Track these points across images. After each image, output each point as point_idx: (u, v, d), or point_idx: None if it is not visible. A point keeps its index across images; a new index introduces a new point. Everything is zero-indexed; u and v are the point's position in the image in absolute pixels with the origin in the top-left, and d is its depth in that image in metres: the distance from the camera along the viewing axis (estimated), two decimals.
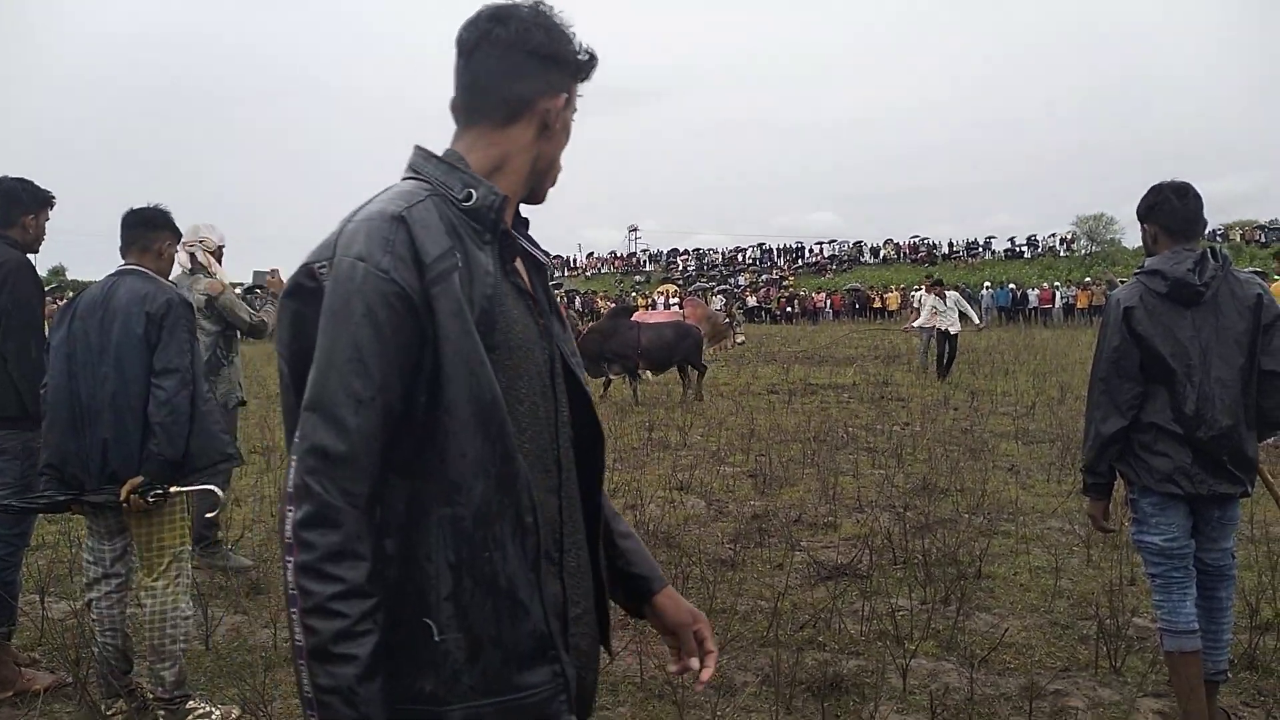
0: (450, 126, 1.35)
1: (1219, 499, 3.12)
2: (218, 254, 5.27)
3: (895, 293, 41.33)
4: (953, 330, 14.60)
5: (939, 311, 14.62)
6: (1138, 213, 3.31)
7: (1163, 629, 3.15)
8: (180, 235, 3.68)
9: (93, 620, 3.40)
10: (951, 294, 15.18)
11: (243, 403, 5.46)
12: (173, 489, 3.23)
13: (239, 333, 5.29)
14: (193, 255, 5.15)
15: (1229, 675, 3.28)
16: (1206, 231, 3.33)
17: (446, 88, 1.34)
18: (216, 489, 3.41)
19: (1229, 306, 3.06)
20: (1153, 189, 3.24)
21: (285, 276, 5.89)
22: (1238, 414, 3.02)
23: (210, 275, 5.18)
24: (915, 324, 15.84)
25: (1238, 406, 3.02)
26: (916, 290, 18.30)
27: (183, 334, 3.24)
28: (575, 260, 60.38)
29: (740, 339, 14.46)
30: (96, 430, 3.18)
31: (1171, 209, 3.17)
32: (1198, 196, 3.19)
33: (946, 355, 14.79)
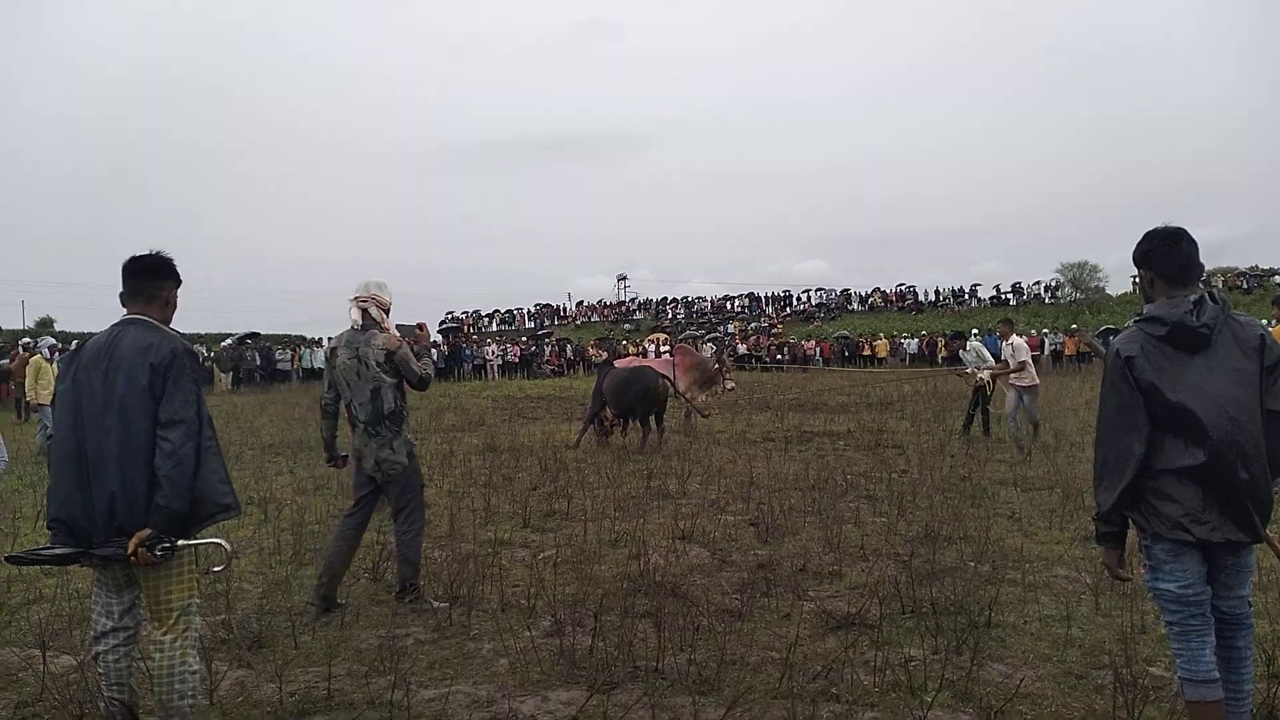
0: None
1: (1231, 546, 3.11)
2: (387, 311, 5.41)
3: (884, 340, 41.56)
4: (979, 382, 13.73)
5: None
6: (1134, 259, 3.33)
7: (1183, 678, 3.13)
8: (181, 281, 3.60)
9: (99, 674, 3.34)
10: (972, 344, 14.59)
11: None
12: (180, 542, 3.20)
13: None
14: (365, 311, 5.30)
15: None
16: (1202, 277, 3.35)
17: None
18: (224, 543, 3.38)
19: (1233, 349, 3.07)
20: (1147, 235, 3.27)
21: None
22: (1256, 456, 3.02)
23: (385, 331, 5.30)
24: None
25: (1255, 449, 3.02)
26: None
27: (188, 384, 3.22)
28: (565, 309, 60.53)
29: (730, 385, 14.35)
30: (103, 483, 3.15)
31: (1167, 254, 3.20)
32: (1192, 241, 3.21)
33: (977, 407, 13.80)
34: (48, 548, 3.25)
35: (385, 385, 5.22)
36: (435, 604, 5.26)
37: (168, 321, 3.45)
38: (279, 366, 35.23)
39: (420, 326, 5.91)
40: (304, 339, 42.63)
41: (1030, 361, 12.38)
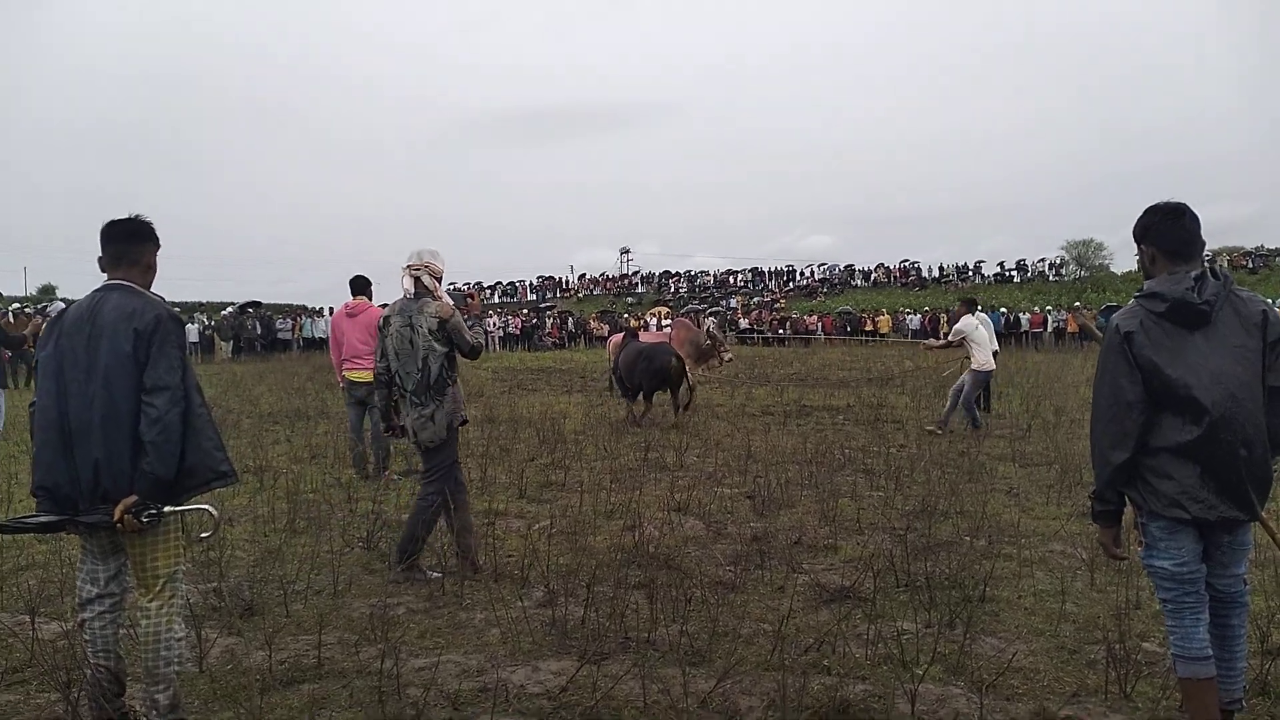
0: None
1: (1227, 524, 3.07)
2: (439, 279, 5.36)
3: (886, 315, 41.45)
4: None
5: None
6: (1134, 234, 3.27)
7: (1176, 655, 3.11)
8: (160, 245, 3.49)
9: (85, 641, 3.32)
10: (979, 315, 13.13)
11: (464, 421, 5.52)
12: (166, 509, 3.16)
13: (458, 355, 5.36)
14: (418, 280, 5.26)
15: (1244, 704, 3.23)
16: (1204, 253, 3.29)
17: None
18: (211, 509, 3.34)
19: (1235, 325, 3.01)
20: (1148, 210, 3.21)
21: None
22: (1256, 434, 2.97)
23: (438, 299, 5.26)
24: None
25: (1254, 427, 2.97)
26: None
27: (172, 350, 3.16)
28: (567, 281, 60.37)
29: (728, 357, 14.09)
30: (87, 450, 3.11)
31: (1168, 230, 3.14)
32: (1194, 217, 3.15)
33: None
34: (33, 515, 3.22)
35: (435, 354, 5.17)
36: (430, 574, 5.25)
37: (149, 286, 3.38)
38: (279, 336, 35.20)
39: (471, 295, 5.88)
40: (305, 308, 42.61)
41: (976, 344, 11.28)
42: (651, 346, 12.35)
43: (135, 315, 3.15)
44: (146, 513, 3.09)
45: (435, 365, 5.18)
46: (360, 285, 8.77)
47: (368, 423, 8.50)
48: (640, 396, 12.34)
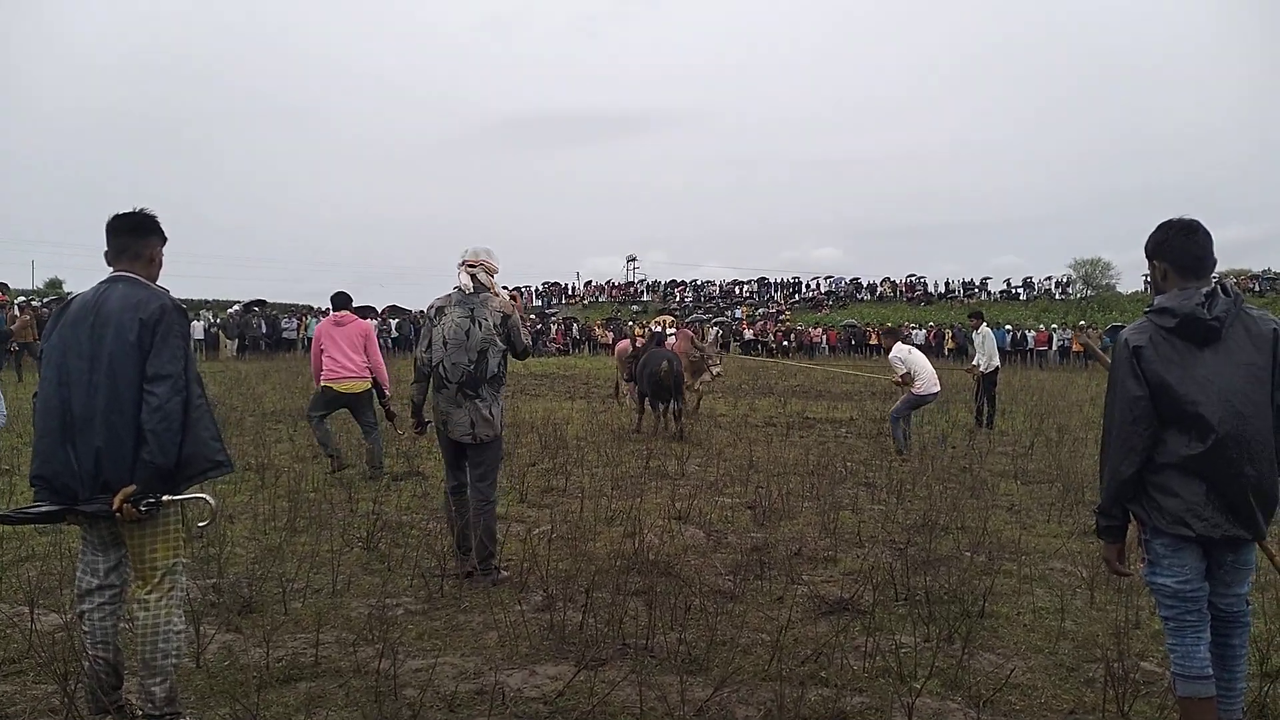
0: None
1: (1231, 542, 3.06)
2: (493, 276, 5.38)
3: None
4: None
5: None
6: (1145, 249, 3.27)
7: (1176, 674, 3.09)
8: (166, 239, 3.50)
9: (84, 632, 3.31)
10: (983, 330, 14.09)
11: None
12: (165, 497, 3.16)
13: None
14: (474, 276, 5.26)
15: None
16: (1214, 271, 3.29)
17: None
18: (209, 498, 3.34)
19: (1245, 342, 3.00)
20: (1161, 225, 3.21)
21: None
22: (1263, 453, 2.97)
23: (498, 296, 5.30)
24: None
25: (1262, 445, 2.96)
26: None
27: (175, 340, 3.17)
28: (573, 288, 60.44)
29: (716, 370, 13.71)
30: (89, 439, 3.11)
31: (1181, 246, 3.14)
32: (1207, 234, 3.15)
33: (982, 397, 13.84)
34: (34, 505, 3.22)
35: (495, 348, 5.18)
36: (501, 573, 5.31)
37: (154, 279, 3.38)
38: (284, 335, 35.24)
39: (514, 296, 5.88)
40: (310, 308, 42.66)
41: (919, 370, 10.93)
42: (651, 352, 12.33)
43: (140, 305, 3.17)
44: (145, 501, 3.09)
45: (494, 360, 5.19)
46: (343, 300, 8.80)
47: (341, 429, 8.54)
48: (645, 403, 12.31)
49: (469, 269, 5.27)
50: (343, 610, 4.76)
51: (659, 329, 34.35)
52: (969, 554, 5.91)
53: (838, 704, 3.64)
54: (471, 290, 5.24)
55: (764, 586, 5.26)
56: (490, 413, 5.19)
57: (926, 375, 10.89)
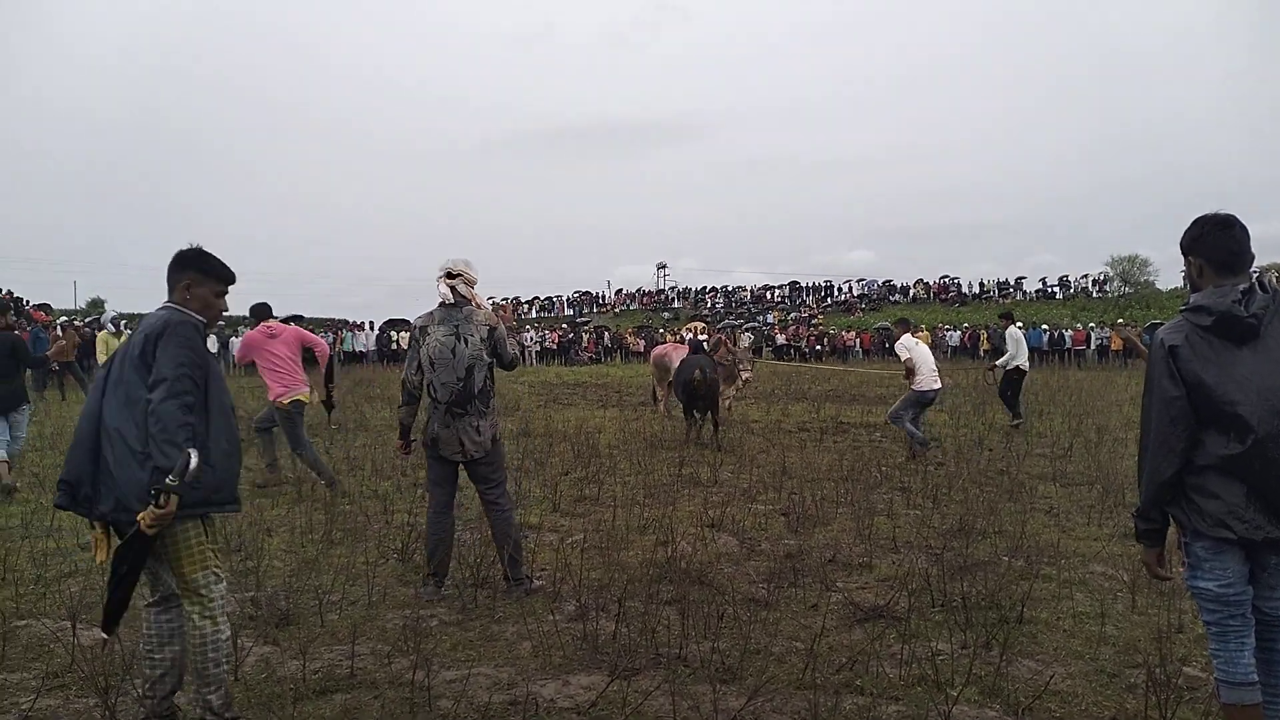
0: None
1: (1275, 545, 2.99)
2: (473, 287, 5.35)
3: (925, 331, 41.06)
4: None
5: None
6: (1181, 245, 3.22)
7: (1220, 679, 3.03)
8: (217, 277, 3.49)
9: (143, 634, 3.40)
10: (1013, 330, 14.28)
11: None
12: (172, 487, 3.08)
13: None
14: (454, 288, 5.21)
15: None
16: (1253, 267, 3.22)
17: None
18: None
19: None
20: (1196, 221, 3.15)
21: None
22: None
23: (480, 308, 5.28)
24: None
25: None
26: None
27: (176, 349, 3.21)
28: (604, 296, 60.60)
29: (747, 376, 13.57)
30: (109, 455, 3.22)
31: (1216, 241, 3.08)
32: (1244, 229, 3.09)
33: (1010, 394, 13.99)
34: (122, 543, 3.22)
35: (481, 363, 5.12)
36: (534, 581, 5.31)
37: (192, 308, 3.42)
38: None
39: (504, 307, 5.87)
40: (346, 322, 43.12)
41: (919, 364, 10.85)
42: (685, 360, 12.28)
43: (149, 323, 3.32)
44: (160, 498, 3.07)
45: (480, 375, 5.13)
46: (264, 310, 8.78)
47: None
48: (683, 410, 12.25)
49: (448, 280, 5.19)
50: (378, 622, 4.79)
51: (691, 335, 34.29)
52: (1007, 558, 5.84)
53: (873, 712, 3.60)
54: (452, 302, 5.17)
55: (798, 594, 5.23)
56: (480, 428, 5.14)
57: (927, 370, 10.72)
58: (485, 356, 5.14)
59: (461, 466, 5.29)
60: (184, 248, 3.50)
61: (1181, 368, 2.98)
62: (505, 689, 3.91)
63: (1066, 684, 3.94)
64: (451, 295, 5.18)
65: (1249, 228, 3.12)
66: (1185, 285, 3.26)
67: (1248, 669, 2.97)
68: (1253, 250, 3.11)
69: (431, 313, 5.26)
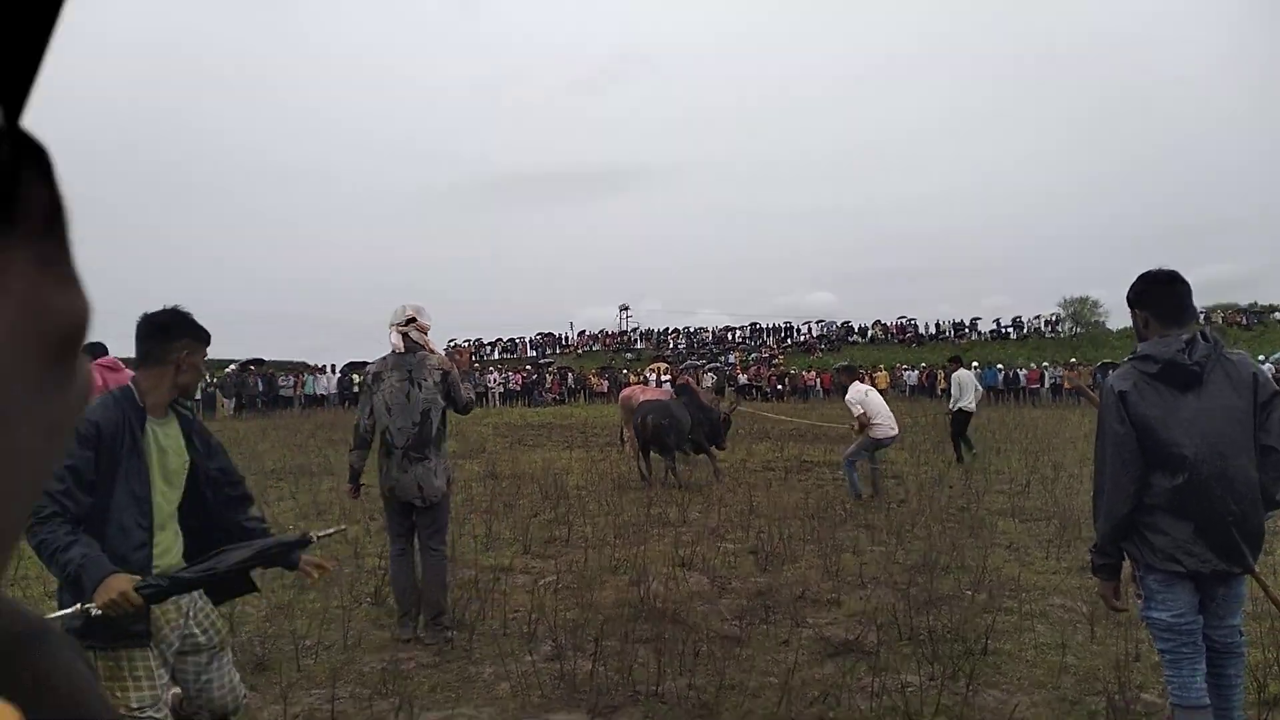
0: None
1: (1221, 576, 3.18)
2: (426, 333, 5.36)
3: (884, 372, 41.65)
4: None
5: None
6: (1128, 299, 3.44)
7: (1175, 704, 3.19)
8: (207, 340, 3.07)
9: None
10: (959, 374, 14.68)
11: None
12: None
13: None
14: (405, 335, 5.24)
15: None
16: (1196, 317, 3.44)
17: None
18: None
19: (1225, 386, 3.15)
20: (1141, 276, 3.38)
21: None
22: (1246, 491, 3.10)
23: (434, 353, 5.30)
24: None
25: (1245, 484, 3.09)
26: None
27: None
28: (567, 338, 60.70)
29: (725, 408, 13.65)
30: None
31: (1161, 295, 3.31)
32: (1185, 283, 3.32)
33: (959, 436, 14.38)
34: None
35: (436, 407, 5.17)
36: (449, 632, 5.23)
37: (187, 380, 3.08)
38: (281, 393, 35.28)
39: (459, 351, 5.93)
40: (307, 365, 42.73)
41: (873, 414, 10.64)
42: (645, 402, 12.37)
43: None
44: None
45: (436, 419, 5.18)
46: (99, 349, 8.54)
47: None
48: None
49: (399, 329, 5.24)
50: (356, 665, 4.82)
51: (653, 375, 34.33)
52: (970, 592, 6.00)
53: None
54: (404, 350, 5.23)
55: (770, 630, 5.34)
56: (436, 472, 5.18)
57: (884, 418, 10.71)
58: (440, 400, 5.21)
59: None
60: (162, 309, 2.99)
61: (1131, 412, 3.19)
62: None
63: (1030, 712, 4.09)
64: (403, 343, 5.24)
65: (1191, 275, 3.35)
66: (1135, 333, 3.47)
67: (1200, 693, 3.14)
68: (1194, 303, 3.35)
69: (385, 359, 5.32)
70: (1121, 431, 3.19)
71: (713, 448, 12.30)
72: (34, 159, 0.27)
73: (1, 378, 0.25)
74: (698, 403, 12.33)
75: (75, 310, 0.28)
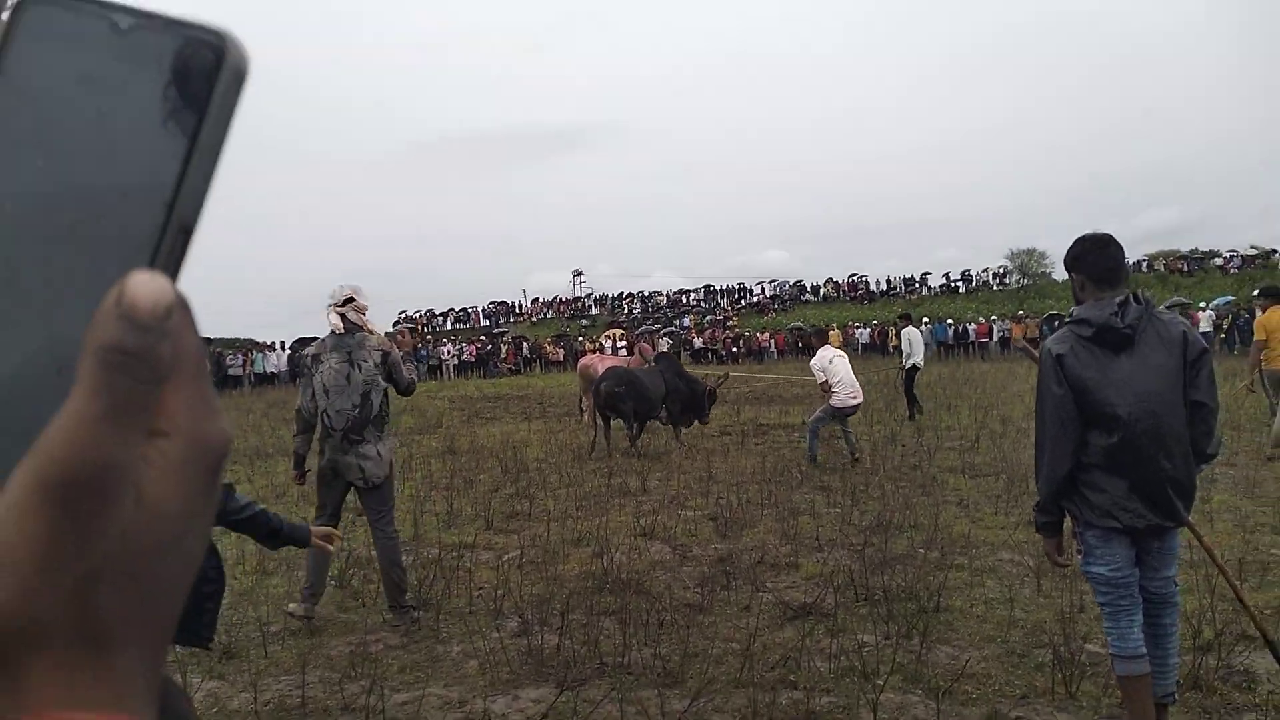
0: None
1: (1156, 530, 3.34)
2: (364, 314, 5.31)
3: (836, 330, 42.14)
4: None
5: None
6: (1065, 263, 3.57)
7: (1114, 654, 3.36)
8: None
9: None
10: (907, 331, 15.03)
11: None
12: None
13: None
14: (344, 316, 5.19)
15: (1177, 697, 3.50)
16: (1130, 271, 3.58)
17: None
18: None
19: (1157, 346, 3.30)
20: (1077, 240, 3.51)
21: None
22: (1178, 447, 3.25)
23: (373, 334, 5.25)
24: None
25: (1176, 440, 3.25)
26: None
27: None
28: (520, 306, 60.43)
29: (714, 382, 13.70)
30: None
31: (1095, 259, 3.44)
32: (1119, 247, 3.46)
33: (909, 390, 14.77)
34: None
35: (377, 388, 5.15)
36: (415, 612, 5.27)
37: None
38: (230, 372, 34.77)
39: (401, 332, 5.89)
40: (255, 343, 42.11)
41: (837, 381, 10.41)
42: (610, 369, 12.38)
43: None
44: None
45: (377, 400, 5.16)
46: None
47: None
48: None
49: (337, 310, 5.21)
50: (324, 650, 4.86)
51: (609, 343, 34.28)
52: (923, 551, 6.19)
53: (808, 705, 3.85)
54: (343, 331, 5.21)
55: (731, 597, 5.47)
56: (379, 453, 5.18)
57: (847, 384, 10.49)
58: (381, 382, 5.19)
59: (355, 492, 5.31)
60: None
61: (1068, 374, 3.32)
62: (457, 707, 4.05)
63: (981, 666, 4.27)
64: (342, 324, 5.22)
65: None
66: (1072, 296, 3.60)
67: (1137, 643, 3.31)
68: (1126, 264, 3.48)
69: (323, 340, 5.30)
70: (1059, 393, 3.33)
71: (682, 423, 12.22)
72: (186, 309, 0.31)
73: (180, 500, 0.31)
74: (679, 372, 12.32)
75: (224, 438, 0.33)
